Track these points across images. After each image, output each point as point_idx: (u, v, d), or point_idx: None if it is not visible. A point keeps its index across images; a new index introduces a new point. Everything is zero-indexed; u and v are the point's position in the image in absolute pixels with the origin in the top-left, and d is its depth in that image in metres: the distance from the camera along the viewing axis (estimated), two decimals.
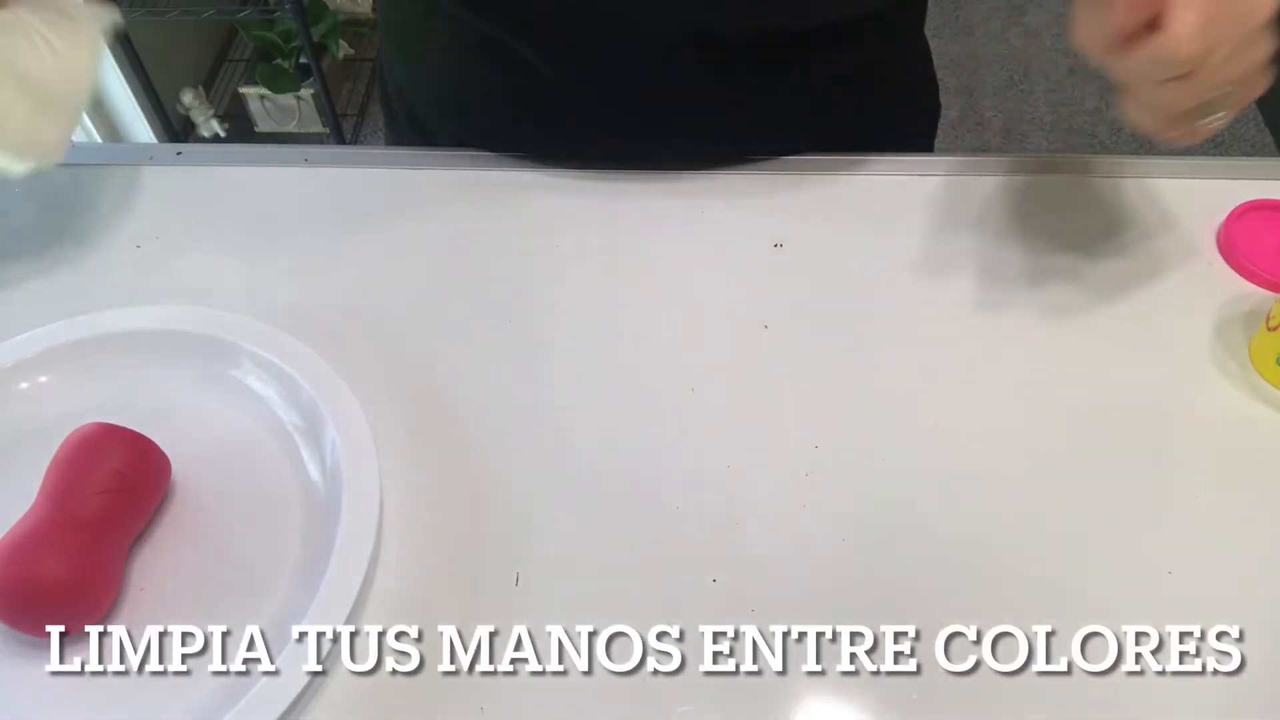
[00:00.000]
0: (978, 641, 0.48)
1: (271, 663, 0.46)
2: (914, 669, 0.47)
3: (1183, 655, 0.47)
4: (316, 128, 2.03)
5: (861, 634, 0.48)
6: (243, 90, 1.99)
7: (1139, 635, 0.48)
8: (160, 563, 0.52)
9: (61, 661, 0.48)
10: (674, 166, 0.68)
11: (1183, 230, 0.65)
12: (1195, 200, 0.66)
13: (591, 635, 0.49)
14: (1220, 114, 0.47)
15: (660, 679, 0.47)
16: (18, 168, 0.55)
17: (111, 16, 0.59)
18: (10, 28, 0.54)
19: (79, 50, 0.57)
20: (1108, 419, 0.56)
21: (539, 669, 0.48)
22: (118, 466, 0.50)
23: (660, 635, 0.48)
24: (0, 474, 0.55)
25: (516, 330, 0.61)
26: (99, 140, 1.84)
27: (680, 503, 0.53)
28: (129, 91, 1.83)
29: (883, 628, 0.48)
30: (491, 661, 0.48)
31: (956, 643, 0.48)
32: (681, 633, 0.48)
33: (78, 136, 0.74)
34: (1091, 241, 0.64)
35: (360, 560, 0.49)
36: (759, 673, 0.47)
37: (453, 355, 0.60)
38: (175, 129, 1.96)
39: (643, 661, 0.48)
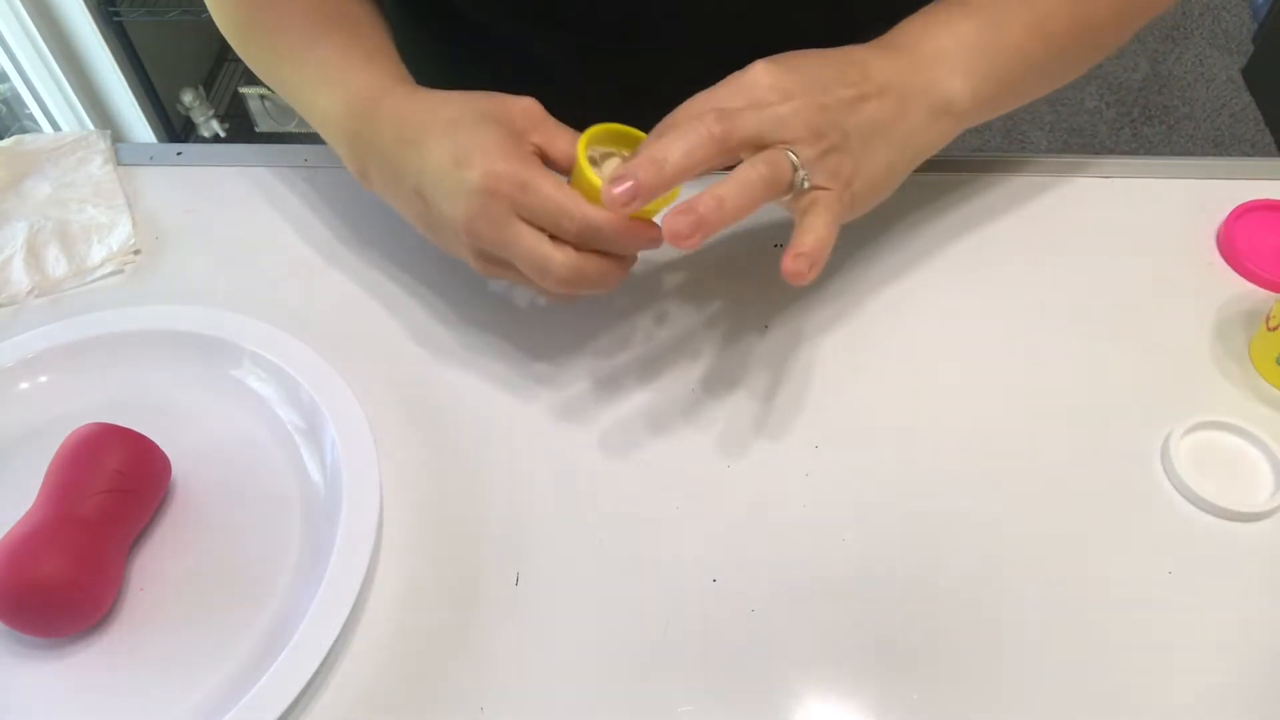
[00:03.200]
0: (978, 641, 0.48)
1: (272, 663, 0.46)
2: (914, 669, 0.47)
3: (1183, 655, 0.47)
4: None
5: (862, 634, 0.48)
6: (243, 90, 1.99)
7: (1139, 635, 0.48)
8: (160, 563, 0.52)
9: (62, 661, 0.48)
10: None
11: (1183, 230, 0.65)
12: (1195, 200, 0.66)
13: (591, 635, 0.49)
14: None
15: (660, 679, 0.47)
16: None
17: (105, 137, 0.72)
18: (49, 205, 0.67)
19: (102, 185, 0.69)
20: (1108, 419, 0.56)
21: (539, 669, 0.48)
22: (118, 466, 0.50)
23: (660, 635, 0.48)
24: (0, 474, 0.55)
25: (516, 330, 0.61)
26: None
27: (680, 503, 0.53)
28: (129, 91, 1.83)
29: (883, 628, 0.48)
30: (491, 661, 0.48)
31: (957, 642, 0.48)
32: (682, 633, 0.49)
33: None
34: (1091, 241, 0.64)
35: (360, 560, 0.49)
36: (759, 673, 0.47)
37: (453, 355, 0.60)
38: (175, 129, 1.96)
39: (643, 661, 0.48)
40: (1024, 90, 0.57)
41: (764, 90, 0.48)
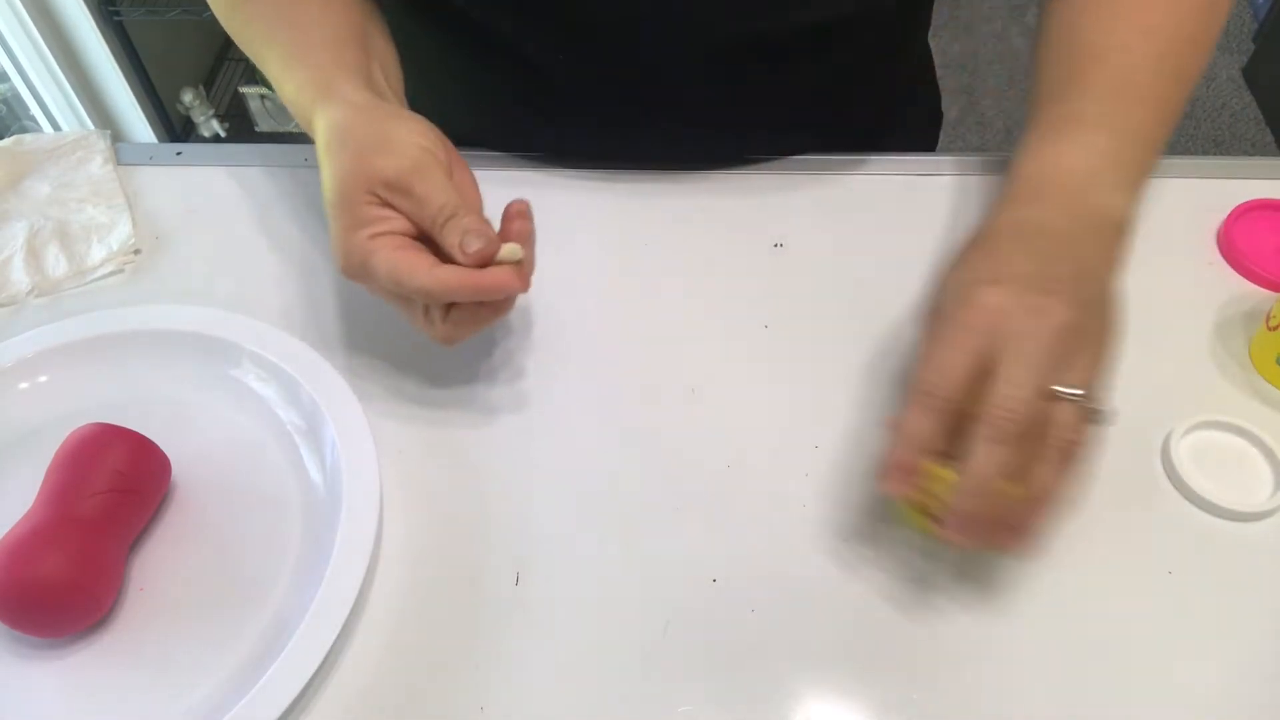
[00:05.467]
0: (978, 641, 0.48)
1: (272, 663, 0.46)
2: (914, 669, 0.47)
3: (1182, 655, 0.47)
4: None
5: (862, 634, 0.48)
6: (243, 90, 1.99)
7: (1139, 635, 0.48)
8: (160, 563, 0.52)
9: (62, 661, 0.48)
10: (676, 166, 0.68)
11: (1183, 230, 0.65)
12: (1195, 200, 0.66)
13: (591, 635, 0.49)
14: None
15: (660, 679, 0.47)
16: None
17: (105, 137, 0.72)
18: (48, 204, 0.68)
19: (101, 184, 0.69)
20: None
21: (539, 669, 0.48)
22: (118, 466, 0.50)
23: (661, 634, 0.48)
24: (0, 474, 0.55)
25: (517, 329, 0.61)
26: None
27: (680, 503, 0.53)
28: (129, 92, 1.83)
29: (883, 628, 0.48)
30: (491, 661, 0.48)
31: (957, 643, 0.48)
32: (682, 633, 0.49)
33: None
34: None
35: (360, 560, 0.49)
36: (759, 673, 0.47)
37: (453, 355, 0.60)
38: (175, 129, 1.96)
39: (643, 661, 0.48)
40: (1155, 166, 0.55)
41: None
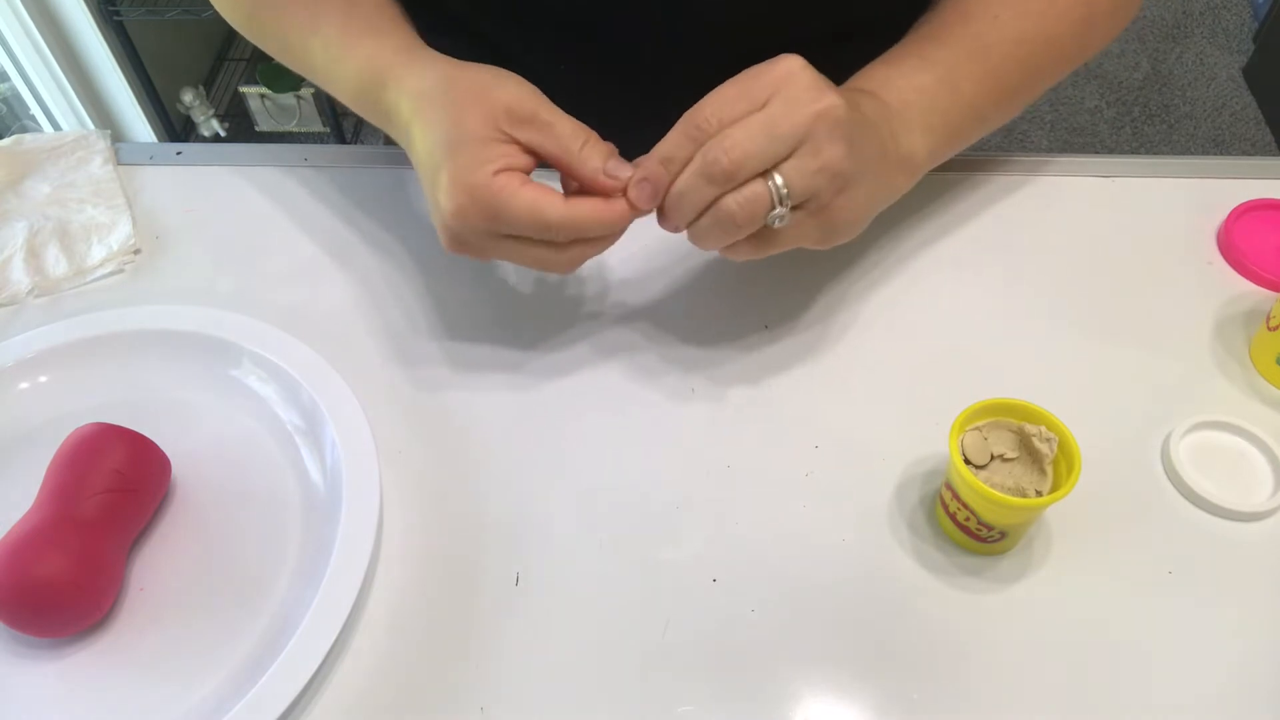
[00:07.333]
0: (977, 641, 0.48)
1: (272, 663, 0.46)
2: (914, 669, 0.47)
3: (1183, 655, 0.47)
4: (316, 127, 2.02)
5: (862, 634, 0.48)
6: (243, 90, 1.99)
7: (1139, 635, 0.48)
8: (160, 563, 0.52)
9: (62, 661, 0.48)
10: None
11: (1183, 230, 0.65)
12: (1195, 200, 0.66)
13: (591, 635, 0.49)
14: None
15: (660, 679, 0.47)
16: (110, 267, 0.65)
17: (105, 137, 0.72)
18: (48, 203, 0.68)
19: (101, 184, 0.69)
20: (1108, 419, 0.56)
21: (539, 669, 0.48)
22: (118, 466, 0.50)
23: (660, 635, 0.48)
24: (0, 474, 0.55)
25: (516, 329, 0.61)
26: None
27: (680, 502, 0.53)
28: (129, 91, 1.83)
29: (883, 627, 0.48)
30: (491, 661, 0.48)
31: (956, 642, 0.48)
32: (682, 633, 0.49)
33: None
34: (1092, 241, 0.64)
35: (360, 560, 0.49)
36: (759, 673, 0.47)
37: (453, 355, 0.60)
38: (175, 129, 1.96)
39: (643, 661, 0.48)
40: (972, 139, 0.58)
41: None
